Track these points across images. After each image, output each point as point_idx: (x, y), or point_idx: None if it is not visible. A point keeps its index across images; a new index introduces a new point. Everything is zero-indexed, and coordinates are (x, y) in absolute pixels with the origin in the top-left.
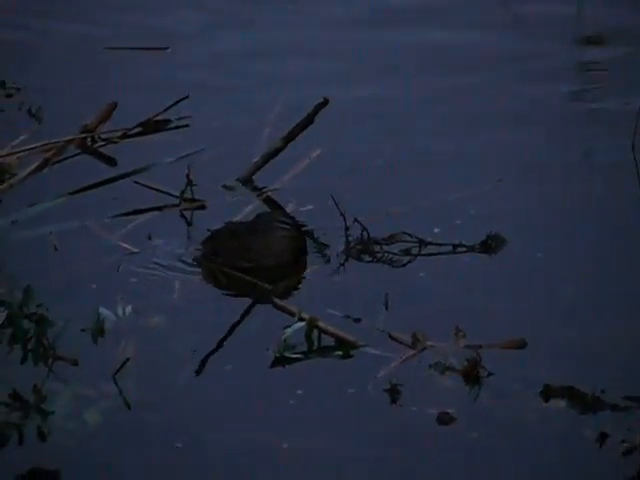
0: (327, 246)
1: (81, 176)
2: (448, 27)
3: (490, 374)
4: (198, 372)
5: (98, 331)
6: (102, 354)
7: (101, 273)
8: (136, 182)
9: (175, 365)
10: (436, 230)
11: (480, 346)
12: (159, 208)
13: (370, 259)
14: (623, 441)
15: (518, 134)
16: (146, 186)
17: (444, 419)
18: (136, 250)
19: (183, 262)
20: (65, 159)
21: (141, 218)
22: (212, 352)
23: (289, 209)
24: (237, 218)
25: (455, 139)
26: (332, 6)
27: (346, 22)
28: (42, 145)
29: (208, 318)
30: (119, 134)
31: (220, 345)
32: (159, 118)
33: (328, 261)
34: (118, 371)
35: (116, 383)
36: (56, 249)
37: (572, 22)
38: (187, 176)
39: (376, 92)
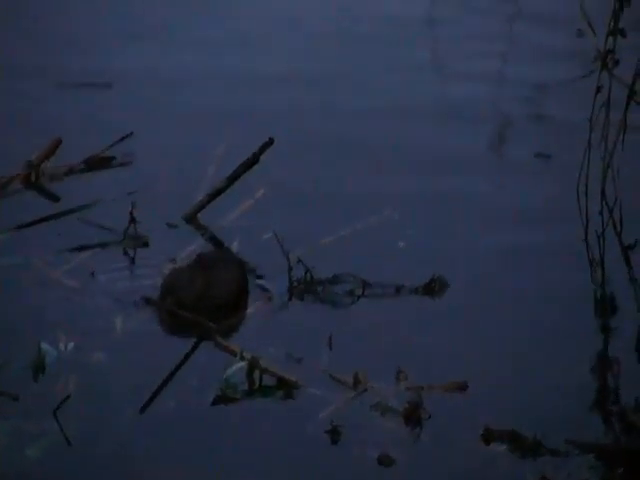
0: (268, 290)
1: (25, 212)
2: None
3: (431, 416)
4: (142, 410)
5: (39, 367)
6: (43, 390)
7: (44, 308)
8: (80, 219)
9: (117, 402)
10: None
11: (422, 388)
12: (102, 245)
13: (313, 299)
14: None
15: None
16: (90, 223)
17: (385, 461)
18: (79, 286)
19: (126, 299)
20: (9, 194)
21: (84, 254)
22: (156, 390)
23: (233, 248)
24: (181, 256)
25: None
26: None
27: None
28: None
29: (150, 356)
30: (64, 170)
31: (163, 383)
32: (104, 155)
33: (270, 300)
34: (59, 407)
35: (57, 419)
36: None
37: None
38: (130, 213)
39: None
